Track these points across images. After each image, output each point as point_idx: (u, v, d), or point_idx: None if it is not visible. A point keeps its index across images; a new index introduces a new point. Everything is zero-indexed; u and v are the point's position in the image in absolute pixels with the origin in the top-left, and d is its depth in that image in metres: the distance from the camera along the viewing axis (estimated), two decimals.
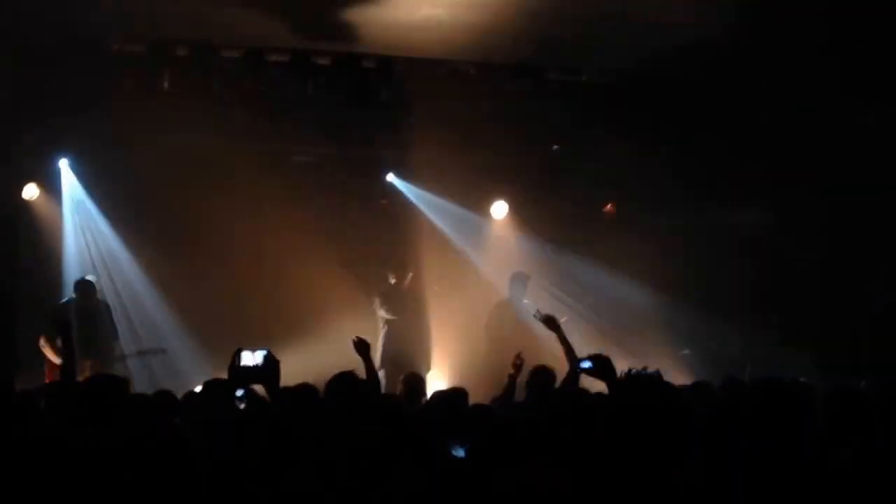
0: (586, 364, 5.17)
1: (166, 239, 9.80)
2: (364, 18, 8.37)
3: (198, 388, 6.69)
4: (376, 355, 9.65)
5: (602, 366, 4.84)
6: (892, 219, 10.06)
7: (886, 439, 3.32)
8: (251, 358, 4.70)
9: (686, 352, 10.17)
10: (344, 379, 5.22)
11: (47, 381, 8.64)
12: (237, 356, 4.70)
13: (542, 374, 6.47)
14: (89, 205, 9.97)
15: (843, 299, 10.27)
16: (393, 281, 10.05)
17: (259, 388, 4.78)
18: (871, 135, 10.17)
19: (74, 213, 9.98)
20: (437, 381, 9.48)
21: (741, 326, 10.31)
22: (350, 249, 10.26)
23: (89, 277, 9.32)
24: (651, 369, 2.91)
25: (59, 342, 8.79)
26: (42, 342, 8.81)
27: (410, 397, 6.76)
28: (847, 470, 3.11)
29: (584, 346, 6.06)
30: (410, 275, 10.16)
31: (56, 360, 8.68)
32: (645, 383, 2.74)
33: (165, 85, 9.29)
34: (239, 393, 5.17)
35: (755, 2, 8.09)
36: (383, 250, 10.41)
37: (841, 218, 10.27)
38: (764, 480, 3.01)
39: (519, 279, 10.13)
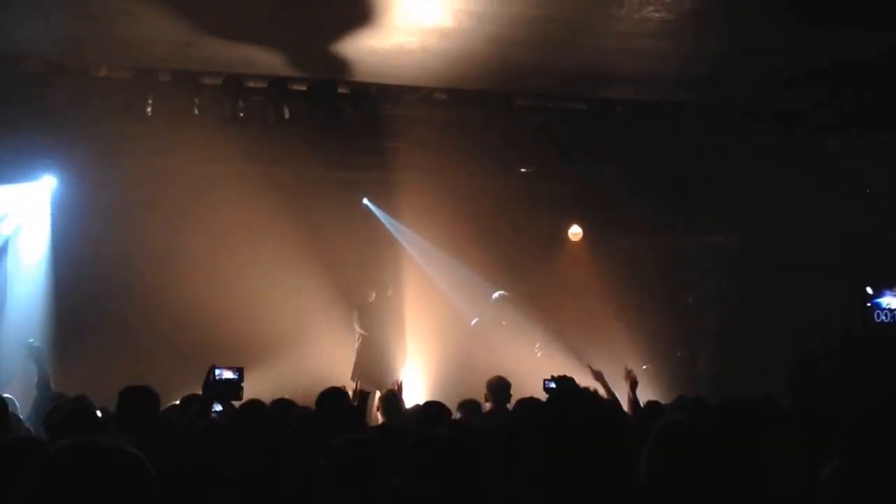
0: (551, 385, 5.62)
1: (146, 259, 10.00)
2: (339, 47, 8.60)
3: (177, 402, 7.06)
4: (349, 368, 10.06)
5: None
6: (853, 240, 10.44)
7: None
8: (225, 374, 5.06)
9: (645, 367, 10.47)
10: (334, 394, 5.62)
11: None
12: (211, 372, 5.06)
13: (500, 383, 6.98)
14: (59, 221, 10.14)
15: (808, 318, 10.55)
16: (373, 297, 10.42)
17: None
18: (836, 159, 10.59)
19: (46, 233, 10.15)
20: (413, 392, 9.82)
21: (707, 344, 10.66)
22: (328, 267, 10.56)
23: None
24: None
25: None
26: None
27: (388, 414, 7.16)
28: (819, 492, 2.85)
29: (552, 366, 6.52)
30: (390, 293, 10.55)
31: None
32: (572, 398, 2.58)
33: (149, 110, 9.59)
34: (217, 408, 5.51)
35: (715, 30, 8.43)
36: (360, 268, 10.74)
37: (803, 240, 10.62)
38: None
39: (501, 301, 10.63)
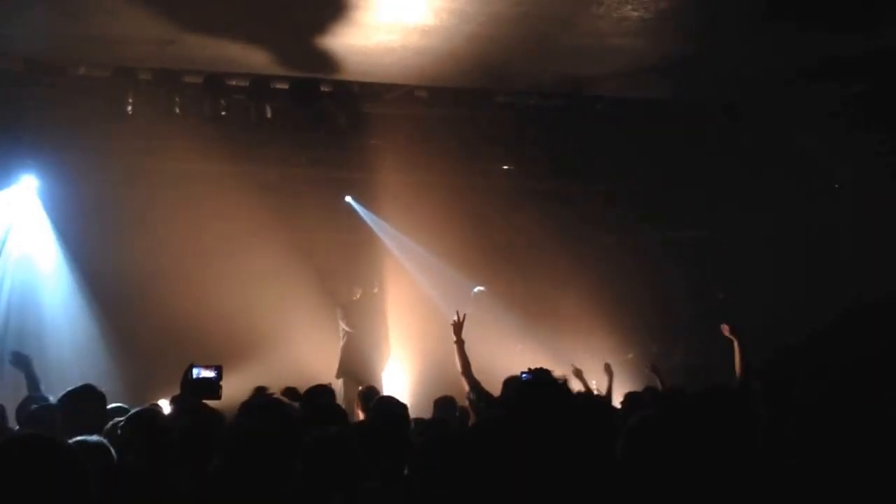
0: (526, 377, 5.64)
1: (128, 257, 9.96)
2: (321, 45, 8.62)
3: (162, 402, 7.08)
4: (334, 365, 10.09)
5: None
6: (826, 235, 10.60)
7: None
8: (203, 373, 5.04)
9: (630, 356, 10.62)
10: (319, 391, 5.65)
11: None
12: (189, 371, 5.03)
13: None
14: (43, 222, 10.13)
15: (780, 308, 10.71)
16: (357, 295, 10.44)
17: None
18: (809, 156, 10.74)
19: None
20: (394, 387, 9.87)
21: (683, 334, 10.79)
22: (311, 265, 10.59)
23: None
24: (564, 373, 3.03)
25: None
26: None
27: (368, 410, 7.20)
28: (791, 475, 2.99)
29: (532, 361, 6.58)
30: (375, 290, 10.58)
31: None
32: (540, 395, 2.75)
33: (129, 109, 9.55)
34: None
35: (692, 29, 8.52)
36: (344, 266, 10.78)
37: (775, 231, 10.79)
38: (704, 485, 2.93)
39: (481, 296, 10.68)
